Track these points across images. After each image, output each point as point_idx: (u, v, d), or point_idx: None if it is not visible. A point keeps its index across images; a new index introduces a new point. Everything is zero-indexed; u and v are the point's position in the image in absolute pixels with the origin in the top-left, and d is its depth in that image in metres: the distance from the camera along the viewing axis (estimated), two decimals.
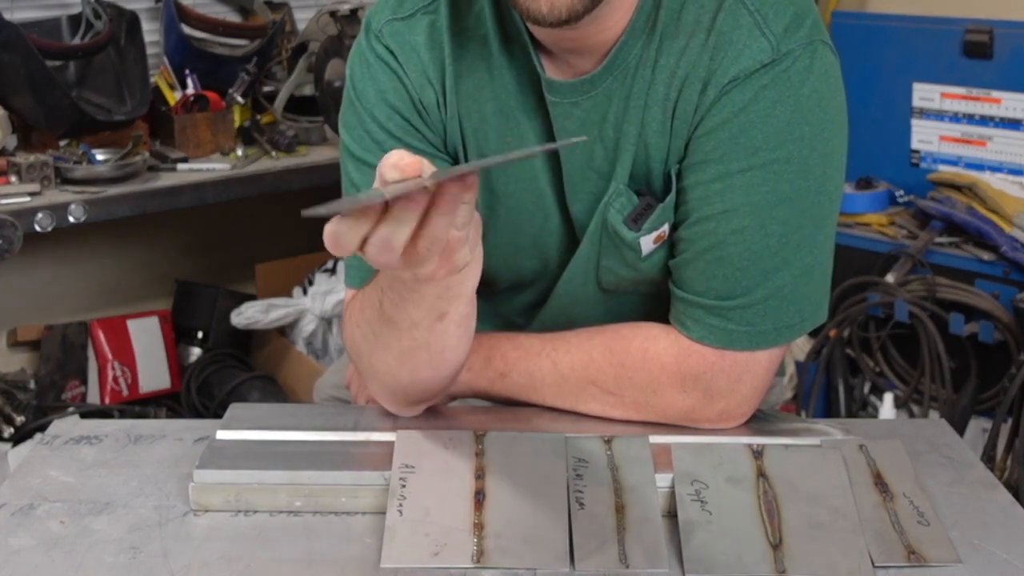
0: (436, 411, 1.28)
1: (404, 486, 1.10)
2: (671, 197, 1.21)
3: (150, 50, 2.83)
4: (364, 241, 0.90)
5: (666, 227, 1.23)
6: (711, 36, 1.16)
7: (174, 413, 2.93)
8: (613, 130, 1.21)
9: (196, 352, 3.09)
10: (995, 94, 2.67)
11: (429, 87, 1.25)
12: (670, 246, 1.24)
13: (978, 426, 2.52)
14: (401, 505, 1.07)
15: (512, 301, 1.39)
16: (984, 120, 2.71)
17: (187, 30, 2.92)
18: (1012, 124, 2.66)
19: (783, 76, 1.15)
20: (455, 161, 1.28)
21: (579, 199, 1.25)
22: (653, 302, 1.30)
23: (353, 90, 1.27)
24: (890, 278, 2.60)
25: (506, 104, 1.24)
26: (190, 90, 2.83)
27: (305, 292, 3.00)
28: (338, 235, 0.89)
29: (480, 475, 1.11)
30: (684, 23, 1.17)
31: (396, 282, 1.05)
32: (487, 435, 1.16)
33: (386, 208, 0.89)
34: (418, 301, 1.06)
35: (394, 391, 1.21)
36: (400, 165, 0.88)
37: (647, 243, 1.23)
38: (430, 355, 1.14)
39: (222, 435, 1.20)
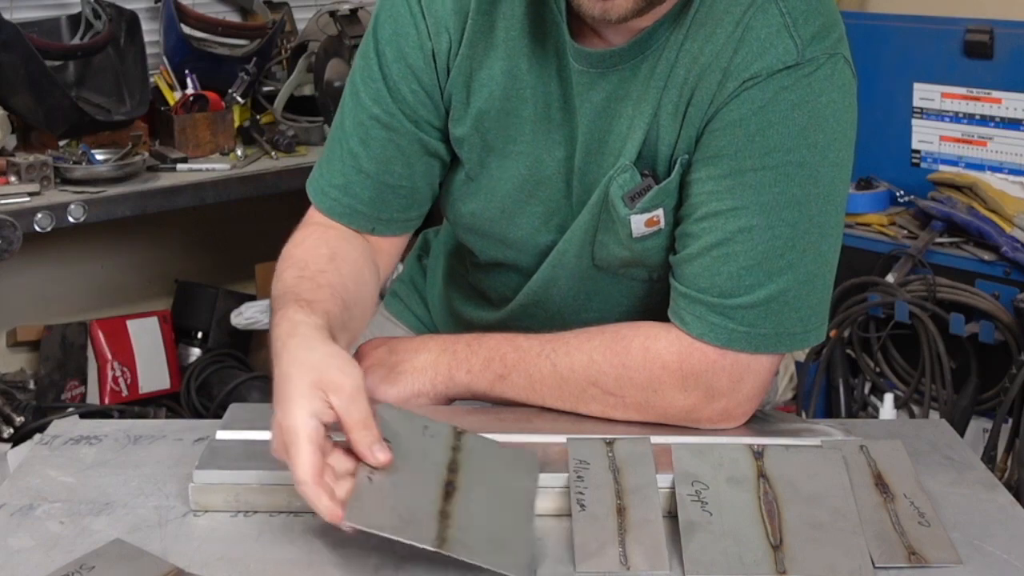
0: (433, 412, 1.28)
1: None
2: (668, 181, 1.21)
3: (150, 50, 2.83)
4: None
5: (660, 212, 1.23)
6: (738, 29, 1.16)
7: (174, 413, 2.93)
8: (632, 106, 1.22)
9: (196, 352, 3.09)
10: (995, 94, 2.67)
11: (445, 34, 1.26)
12: (669, 238, 1.24)
13: (978, 426, 2.52)
14: (371, 473, 1.05)
15: (499, 274, 1.39)
16: (984, 120, 2.70)
17: (187, 30, 2.92)
18: (1012, 124, 2.66)
19: (804, 81, 1.15)
20: (446, 113, 1.29)
21: (589, 171, 1.26)
22: (643, 290, 1.30)
23: (376, 20, 1.29)
24: (890, 278, 2.60)
25: (516, 66, 1.25)
26: (190, 90, 2.83)
27: None
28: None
29: (454, 469, 1.09)
30: (716, 11, 1.18)
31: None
32: (464, 435, 1.14)
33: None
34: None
35: None
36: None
37: (638, 223, 1.23)
38: None
39: (222, 435, 1.20)
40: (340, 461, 1.03)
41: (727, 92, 1.16)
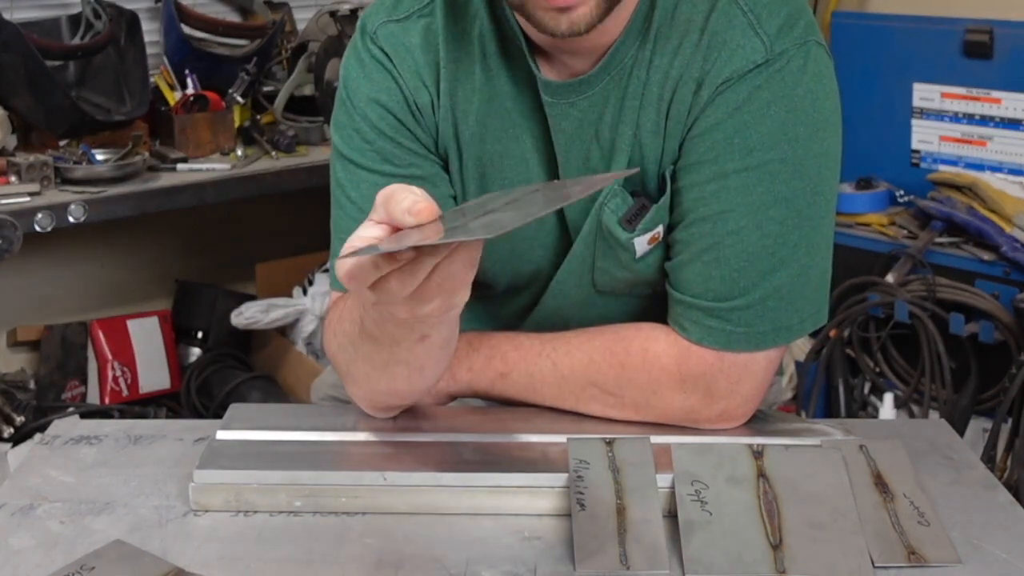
0: (433, 412, 1.28)
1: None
2: (665, 198, 1.21)
3: (150, 50, 2.83)
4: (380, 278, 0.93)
5: (660, 228, 1.23)
6: (704, 36, 1.16)
7: (174, 413, 2.93)
8: (609, 131, 1.21)
9: (196, 352, 3.09)
10: (995, 94, 2.67)
11: (423, 89, 1.25)
12: (666, 248, 1.24)
13: (978, 426, 2.52)
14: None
15: (508, 303, 1.39)
16: (984, 120, 2.70)
17: (187, 30, 2.92)
18: (1012, 124, 2.66)
19: (777, 76, 1.15)
20: (445, 162, 1.28)
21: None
22: (649, 304, 1.30)
23: (346, 90, 1.27)
24: (890, 278, 2.60)
25: (502, 106, 1.24)
26: (190, 90, 2.83)
27: (305, 292, 3.00)
28: (356, 271, 0.92)
29: None
30: (677, 23, 1.17)
31: (380, 306, 1.04)
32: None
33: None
34: (400, 323, 1.06)
35: (369, 396, 1.23)
36: (415, 211, 0.90)
37: (641, 244, 1.23)
38: (409, 371, 1.15)
39: (222, 435, 1.20)
40: None
41: (703, 100, 1.16)
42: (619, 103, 1.20)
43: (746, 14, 1.16)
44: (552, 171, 1.25)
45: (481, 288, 1.41)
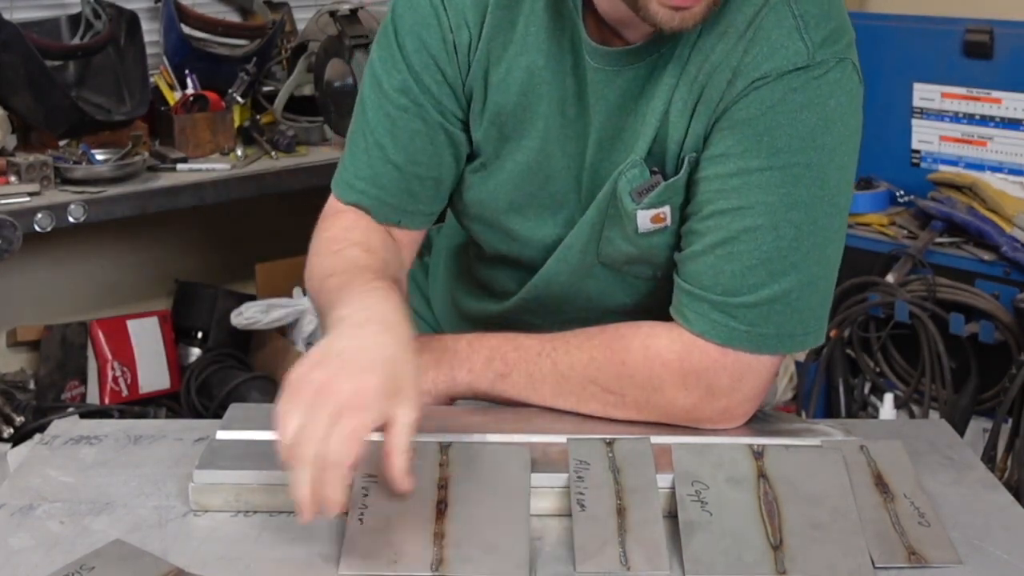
0: (434, 412, 1.28)
1: (366, 495, 1.09)
2: (677, 178, 1.21)
3: (150, 50, 2.83)
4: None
5: (666, 209, 1.23)
6: (751, 29, 1.17)
7: (174, 413, 2.93)
8: (645, 104, 1.22)
9: (196, 352, 3.09)
10: (995, 94, 2.68)
11: (465, 29, 1.26)
12: (675, 236, 1.24)
13: (978, 426, 2.52)
14: (362, 514, 1.06)
15: (506, 267, 1.39)
16: (984, 120, 2.71)
17: (187, 30, 2.92)
18: (1012, 124, 2.66)
19: (814, 83, 1.15)
20: (468, 105, 1.29)
21: (600, 167, 1.26)
22: (646, 289, 1.31)
23: (394, 10, 1.29)
24: (890, 278, 2.60)
25: (534, 62, 1.25)
26: (190, 90, 2.83)
27: (305, 292, 3.00)
28: None
29: (443, 485, 1.10)
30: (729, 10, 1.18)
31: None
32: (452, 446, 1.15)
33: None
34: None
35: None
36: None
37: (644, 218, 1.24)
38: None
39: (222, 435, 1.20)
40: None
41: (736, 91, 1.17)
42: (659, 77, 1.21)
43: (796, 17, 1.16)
44: (572, 137, 1.26)
45: (475, 249, 1.42)
